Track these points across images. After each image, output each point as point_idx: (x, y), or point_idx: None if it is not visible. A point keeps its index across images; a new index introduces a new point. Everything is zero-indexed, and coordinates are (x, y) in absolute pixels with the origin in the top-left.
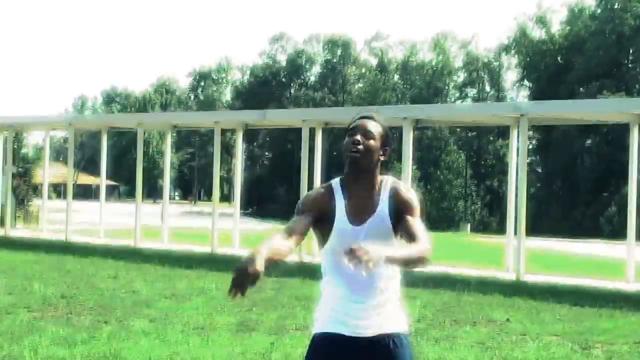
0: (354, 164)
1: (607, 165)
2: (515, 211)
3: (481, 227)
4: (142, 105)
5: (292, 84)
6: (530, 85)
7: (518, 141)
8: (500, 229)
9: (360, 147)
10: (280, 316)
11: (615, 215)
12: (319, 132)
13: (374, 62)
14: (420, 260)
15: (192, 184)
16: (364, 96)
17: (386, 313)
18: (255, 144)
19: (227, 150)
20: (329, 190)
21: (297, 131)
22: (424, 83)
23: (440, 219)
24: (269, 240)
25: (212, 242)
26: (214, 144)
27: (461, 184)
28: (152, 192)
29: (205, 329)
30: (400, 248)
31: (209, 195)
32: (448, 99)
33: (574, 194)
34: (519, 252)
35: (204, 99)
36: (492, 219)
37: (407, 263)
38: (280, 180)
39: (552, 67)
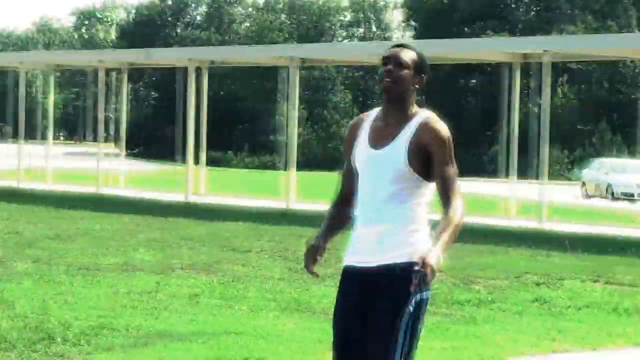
0: (387, 93)
1: (490, 104)
2: None
3: None
4: (24, 44)
5: (178, 24)
6: (416, 25)
7: None
8: None
9: (393, 77)
10: (166, 256)
11: (498, 153)
12: (205, 72)
13: (260, 1)
14: (459, 230)
15: (77, 124)
16: (251, 35)
17: (393, 242)
18: (141, 84)
19: (112, 90)
20: (363, 118)
21: (184, 71)
22: (311, 23)
23: (327, 159)
24: (326, 218)
25: (97, 182)
26: (98, 84)
27: (348, 124)
28: (36, 132)
29: (90, 269)
30: (443, 234)
31: (94, 136)
32: (335, 39)
33: (458, 133)
34: None
35: (88, 39)
36: None
37: (453, 240)
38: (166, 121)
39: (437, 6)
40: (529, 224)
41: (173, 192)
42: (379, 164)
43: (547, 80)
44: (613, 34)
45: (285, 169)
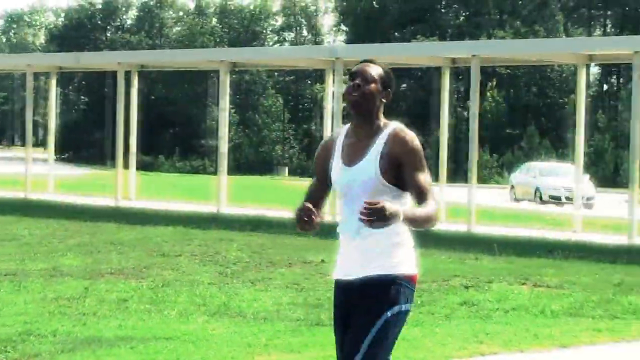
0: (354, 108)
1: (421, 108)
2: None
3: (299, 170)
4: None
5: (108, 28)
6: (347, 30)
7: (334, 85)
8: None
9: (360, 91)
10: (95, 261)
11: (429, 157)
12: (135, 76)
13: (191, 5)
14: (431, 221)
15: (6, 129)
16: (182, 40)
17: (375, 255)
18: (70, 88)
19: (42, 94)
20: (335, 136)
21: (114, 75)
22: (242, 27)
23: (259, 163)
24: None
25: (26, 187)
26: (27, 88)
27: (279, 128)
28: None
29: (17, 274)
30: (415, 207)
31: (23, 140)
32: (266, 43)
33: None
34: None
35: (17, 42)
36: (309, 162)
37: (420, 223)
38: (96, 126)
39: (368, 11)
40: (458, 227)
41: (103, 196)
42: (354, 181)
43: (475, 84)
44: (540, 39)
45: (216, 173)
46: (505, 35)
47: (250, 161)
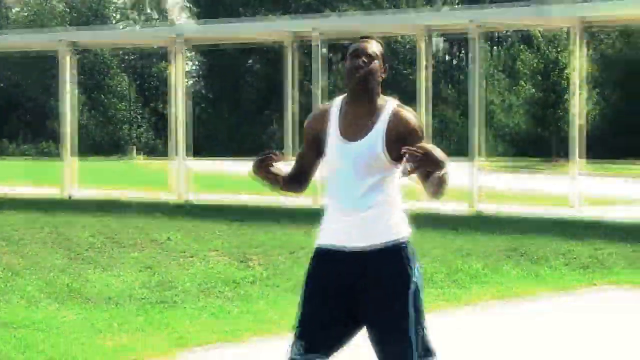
0: (360, 86)
1: (268, 85)
2: (180, 133)
3: (147, 150)
4: None
5: None
6: (194, 7)
7: (178, 63)
8: (167, 152)
9: (365, 69)
10: None
11: (277, 132)
12: None
13: None
14: (445, 188)
15: None
16: (25, 22)
17: (377, 225)
18: None
19: None
20: (326, 110)
21: None
22: (88, 8)
23: (107, 144)
24: (284, 168)
25: None
26: None
27: (126, 108)
28: None
29: None
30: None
31: None
32: (112, 23)
33: (239, 114)
34: (182, 174)
35: None
36: (158, 141)
37: (445, 184)
38: None
39: None
40: (305, 201)
41: None
42: (356, 156)
43: (319, 59)
44: (380, 12)
45: (63, 156)
46: (350, 9)
47: (98, 142)
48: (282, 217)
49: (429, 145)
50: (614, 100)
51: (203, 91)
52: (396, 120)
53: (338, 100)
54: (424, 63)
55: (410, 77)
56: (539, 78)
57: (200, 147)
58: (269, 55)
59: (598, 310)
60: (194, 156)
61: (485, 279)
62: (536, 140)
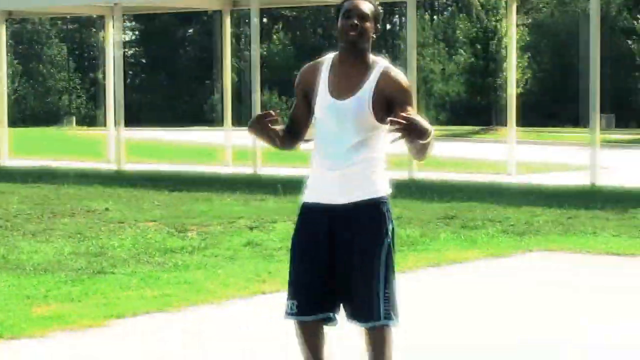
0: (352, 47)
1: (208, 53)
2: (115, 102)
3: (87, 120)
4: None
5: None
6: None
7: (113, 31)
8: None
9: (358, 30)
10: None
11: (218, 102)
12: None
13: None
14: (428, 153)
15: None
16: None
17: (359, 182)
18: None
19: None
20: (317, 66)
21: None
22: None
23: (45, 114)
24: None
25: None
26: None
27: (65, 78)
28: None
29: None
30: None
31: None
32: None
33: (178, 83)
34: (119, 143)
35: None
36: (98, 112)
37: (429, 147)
38: None
39: None
40: (244, 170)
41: None
42: (343, 114)
43: (255, 26)
44: None
45: None
46: None
47: (37, 112)
48: (221, 186)
49: (413, 115)
50: (549, 68)
51: (143, 60)
52: (385, 80)
53: (329, 57)
54: None
55: None
56: (478, 47)
57: (139, 116)
58: (209, 25)
59: (530, 274)
60: (132, 125)
61: (422, 246)
62: (476, 108)
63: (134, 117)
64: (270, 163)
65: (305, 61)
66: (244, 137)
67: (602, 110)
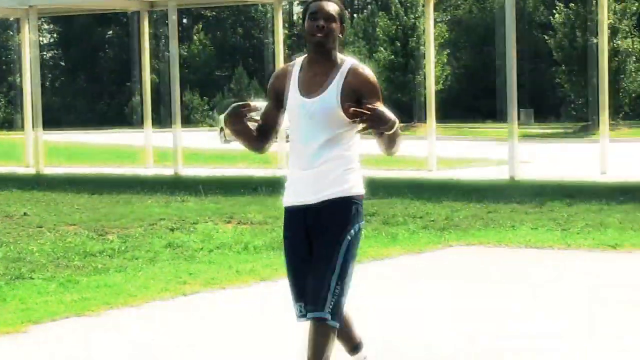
0: (319, 48)
1: (128, 55)
2: (32, 105)
3: (6, 124)
4: None
5: None
6: None
7: (28, 33)
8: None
9: (324, 31)
10: None
11: (139, 104)
12: None
13: None
14: (399, 142)
15: None
16: None
17: (331, 180)
18: None
19: None
20: (288, 68)
21: None
22: None
23: None
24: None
25: None
26: None
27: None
28: None
29: None
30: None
31: None
32: None
33: (99, 85)
34: (37, 146)
35: None
36: (17, 115)
37: (397, 141)
38: None
39: None
40: (165, 171)
41: None
42: (313, 112)
43: (173, 24)
44: None
45: None
46: None
47: None
48: (142, 188)
49: (378, 106)
50: (469, 64)
51: (62, 63)
52: (353, 77)
53: (300, 59)
54: (280, 30)
55: (267, 41)
56: (398, 44)
57: (59, 119)
58: (128, 27)
59: (451, 269)
60: (52, 128)
61: None
62: (397, 105)
63: (54, 120)
64: (193, 164)
65: (226, 61)
66: (165, 138)
67: (521, 105)
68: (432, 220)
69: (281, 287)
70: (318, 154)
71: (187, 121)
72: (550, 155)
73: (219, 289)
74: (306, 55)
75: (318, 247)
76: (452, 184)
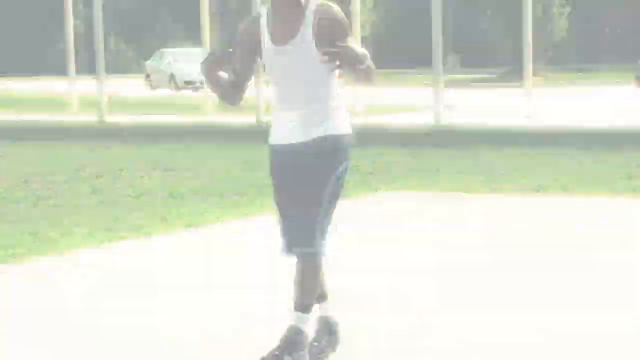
0: None
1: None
2: None
3: None
4: None
5: None
6: None
7: None
8: None
9: None
10: None
11: (63, 52)
12: None
13: None
14: (375, 76)
15: None
16: None
17: (319, 119)
18: None
19: None
20: (255, 20)
21: None
22: None
23: None
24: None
25: None
26: None
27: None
28: None
29: None
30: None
31: None
32: None
33: (21, 31)
34: None
35: None
36: None
37: (372, 74)
38: None
39: None
40: (90, 119)
41: None
42: (290, 57)
43: None
44: None
45: None
46: None
47: None
48: (67, 135)
49: (348, 42)
50: (396, 10)
51: None
52: (321, 15)
53: (264, 9)
54: None
55: None
56: None
57: None
58: None
59: (377, 215)
60: None
61: (269, 190)
62: None
63: None
64: (118, 111)
65: (151, 6)
66: (90, 84)
67: (448, 51)
68: (358, 166)
69: (207, 234)
70: (302, 96)
71: (114, 69)
72: (476, 100)
73: (144, 236)
74: (270, 3)
75: (305, 185)
76: (379, 130)
